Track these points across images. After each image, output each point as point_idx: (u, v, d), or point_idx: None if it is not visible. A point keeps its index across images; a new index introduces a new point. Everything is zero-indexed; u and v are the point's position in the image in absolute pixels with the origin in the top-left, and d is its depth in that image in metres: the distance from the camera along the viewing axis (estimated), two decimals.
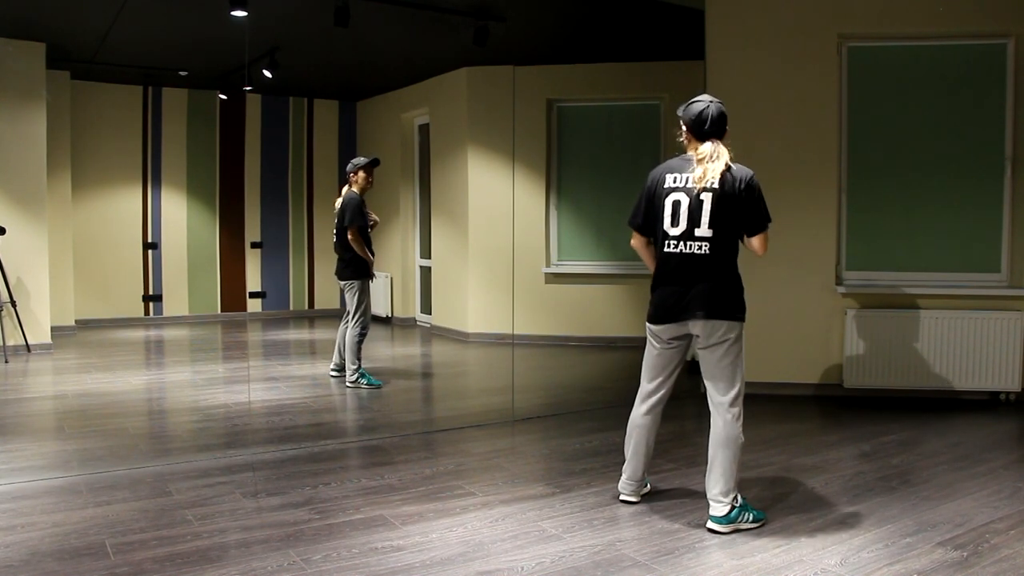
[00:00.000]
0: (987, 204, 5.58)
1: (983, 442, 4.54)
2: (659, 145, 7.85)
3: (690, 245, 3.20)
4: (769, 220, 3.26)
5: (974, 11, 5.45)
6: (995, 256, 5.59)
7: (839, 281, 5.70)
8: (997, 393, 5.53)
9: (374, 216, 6.14)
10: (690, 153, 3.28)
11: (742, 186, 3.18)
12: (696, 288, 3.20)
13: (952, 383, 5.47)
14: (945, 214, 5.65)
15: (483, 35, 6.61)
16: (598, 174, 8.30)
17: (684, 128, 3.29)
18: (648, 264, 3.47)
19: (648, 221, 3.35)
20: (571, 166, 8.36)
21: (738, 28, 5.75)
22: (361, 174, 5.90)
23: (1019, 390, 5.43)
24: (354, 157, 6.07)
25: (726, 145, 3.23)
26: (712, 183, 3.15)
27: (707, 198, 3.17)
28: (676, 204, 3.22)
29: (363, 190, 5.94)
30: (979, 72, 5.59)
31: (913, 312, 5.50)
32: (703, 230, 3.18)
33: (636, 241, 3.44)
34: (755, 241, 3.27)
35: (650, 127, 7.98)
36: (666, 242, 3.26)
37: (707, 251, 3.19)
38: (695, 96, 3.32)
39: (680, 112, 3.31)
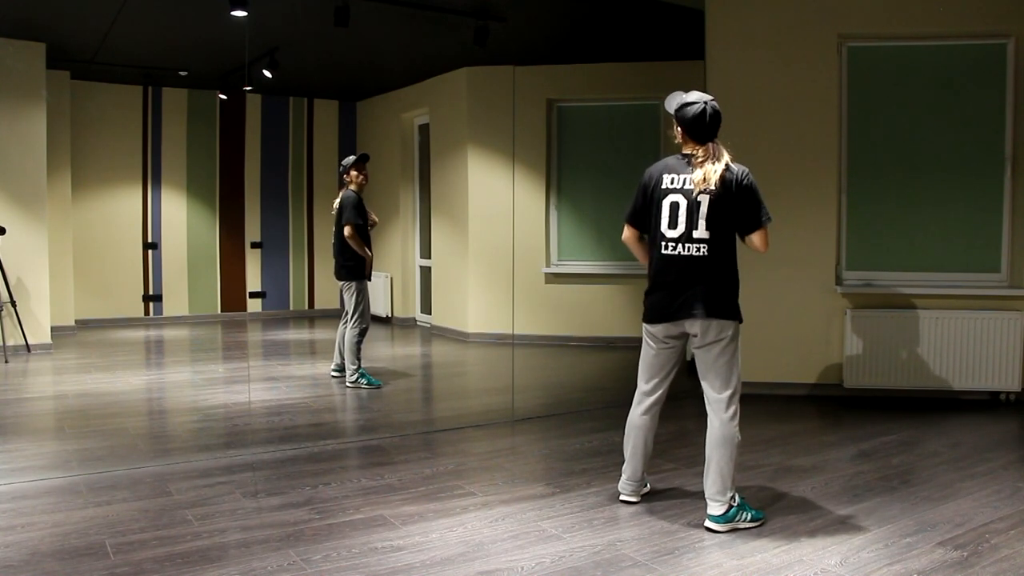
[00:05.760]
0: (987, 204, 5.58)
1: (983, 442, 4.54)
2: (659, 145, 7.85)
3: (688, 247, 3.20)
4: (768, 218, 3.24)
5: (974, 11, 5.45)
6: (995, 256, 5.59)
7: (839, 281, 5.70)
8: (997, 393, 5.53)
9: (373, 216, 6.14)
10: (687, 152, 3.26)
11: (740, 185, 3.17)
12: (693, 289, 3.20)
13: (952, 383, 5.47)
14: (945, 214, 5.64)
15: (483, 35, 6.61)
16: (598, 174, 8.30)
17: (679, 129, 3.27)
18: (638, 257, 3.48)
19: (643, 218, 3.35)
20: (571, 166, 8.36)
21: (738, 28, 5.74)
22: (353, 172, 5.93)
23: (1019, 390, 5.43)
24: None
25: (724, 144, 3.22)
26: (710, 186, 3.15)
27: (704, 200, 3.16)
28: (674, 206, 3.21)
29: (360, 187, 5.95)
30: (979, 72, 5.59)
31: (913, 312, 5.50)
32: (700, 232, 3.18)
33: (628, 234, 3.42)
34: (755, 239, 3.25)
35: (650, 127, 7.98)
36: (663, 244, 3.25)
37: (705, 253, 3.19)
38: (685, 93, 3.27)
39: (672, 111, 3.26)
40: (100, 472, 3.92)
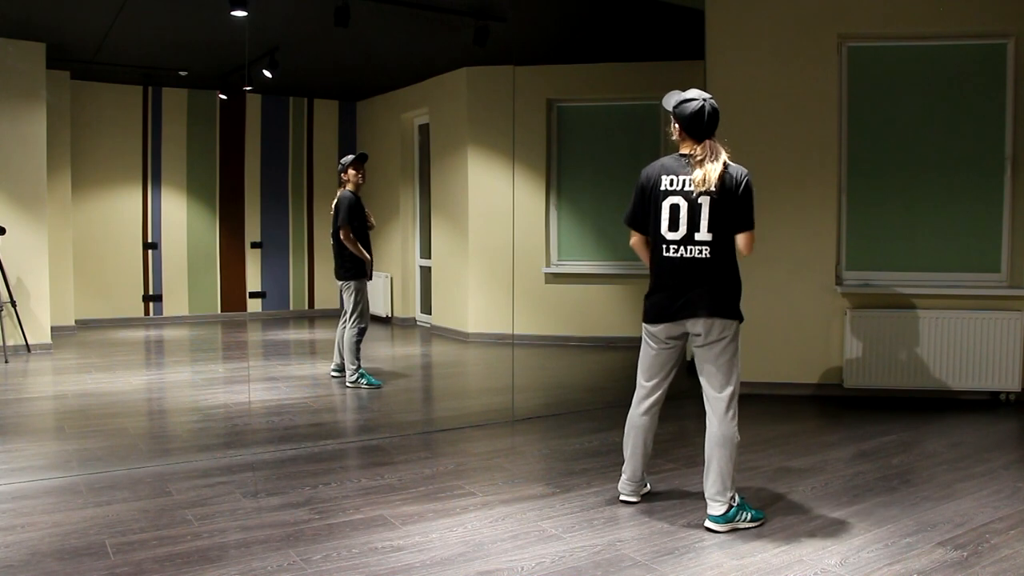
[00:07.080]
0: (987, 204, 5.58)
1: (983, 442, 4.54)
2: (659, 145, 7.84)
3: (690, 249, 3.19)
4: (752, 224, 3.22)
5: (974, 11, 5.45)
6: (995, 256, 5.59)
7: (839, 281, 5.70)
8: (997, 393, 5.53)
9: (371, 220, 6.14)
10: (684, 151, 3.26)
11: (739, 186, 3.17)
12: (696, 290, 3.19)
13: (952, 383, 5.47)
14: (945, 214, 5.65)
15: (483, 35, 6.61)
16: (598, 174, 8.30)
17: (677, 127, 3.26)
18: (645, 261, 3.44)
19: (645, 220, 3.34)
20: (571, 166, 8.36)
21: (738, 28, 5.75)
22: (350, 171, 5.94)
23: (1019, 390, 5.43)
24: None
25: (721, 142, 3.22)
26: (710, 187, 3.14)
27: (705, 201, 3.16)
28: (674, 208, 3.20)
29: (357, 187, 5.95)
30: (979, 72, 5.59)
31: (913, 312, 5.50)
32: (703, 234, 3.17)
33: (636, 240, 3.42)
34: (740, 239, 3.23)
35: (650, 127, 7.97)
36: (664, 246, 3.24)
37: (707, 255, 3.18)
38: (683, 91, 3.26)
39: (670, 108, 3.25)
40: (100, 472, 3.92)
